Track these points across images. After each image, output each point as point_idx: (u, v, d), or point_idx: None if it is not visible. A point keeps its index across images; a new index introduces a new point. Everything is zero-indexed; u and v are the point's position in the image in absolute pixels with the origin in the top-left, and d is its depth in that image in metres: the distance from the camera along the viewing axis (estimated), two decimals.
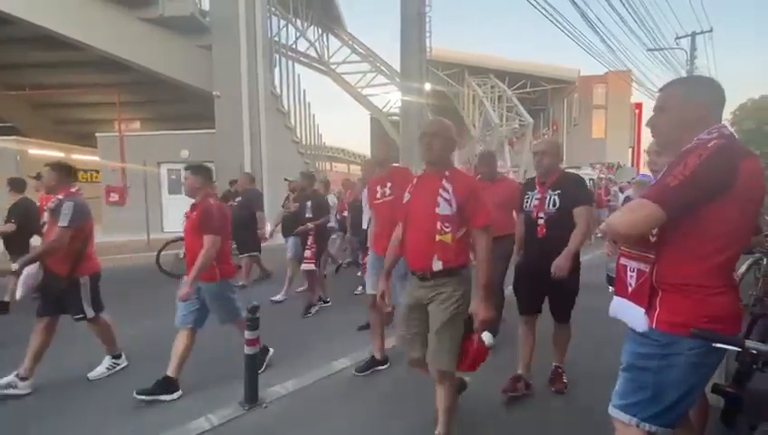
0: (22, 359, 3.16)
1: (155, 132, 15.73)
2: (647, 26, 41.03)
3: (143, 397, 2.97)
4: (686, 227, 1.41)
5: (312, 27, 20.26)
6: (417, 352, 2.33)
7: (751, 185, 1.38)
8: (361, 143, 34.69)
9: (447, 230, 2.14)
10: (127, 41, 12.17)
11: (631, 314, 1.54)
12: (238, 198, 6.74)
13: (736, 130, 18.17)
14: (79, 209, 3.19)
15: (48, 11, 10.87)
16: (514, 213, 3.50)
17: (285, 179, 6.69)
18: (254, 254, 6.48)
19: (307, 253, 5.09)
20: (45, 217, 3.32)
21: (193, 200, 3.24)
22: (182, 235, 8.27)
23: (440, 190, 2.17)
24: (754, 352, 1.53)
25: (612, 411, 1.57)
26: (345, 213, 7.23)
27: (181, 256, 7.47)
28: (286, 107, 15.19)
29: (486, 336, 3.83)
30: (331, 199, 6.67)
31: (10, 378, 3.11)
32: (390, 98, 24.76)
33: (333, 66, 23.03)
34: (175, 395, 3.07)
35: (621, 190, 11.13)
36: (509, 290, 3.28)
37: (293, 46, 18.30)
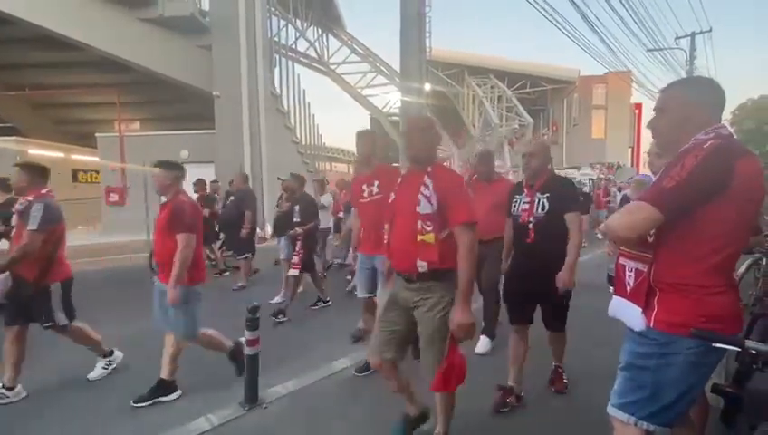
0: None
1: (155, 132, 15.74)
2: (646, 27, 41.07)
3: (141, 404, 2.96)
4: (683, 227, 1.41)
5: (311, 27, 20.26)
6: (390, 353, 2.23)
7: (749, 185, 1.38)
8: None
9: (429, 229, 2.03)
10: (127, 41, 12.18)
11: (629, 314, 1.54)
12: (231, 198, 6.74)
13: (736, 130, 18.16)
14: (49, 211, 3.02)
15: (48, 11, 10.88)
16: None
17: (279, 178, 6.67)
18: (248, 255, 6.47)
19: (294, 258, 5.02)
20: (14, 220, 3.12)
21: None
22: None
23: (421, 188, 2.08)
24: (754, 352, 1.53)
25: (611, 410, 1.58)
26: (341, 214, 7.20)
27: None
28: (286, 107, 15.19)
29: (483, 341, 3.85)
30: (327, 200, 6.61)
31: None
32: (390, 98, 24.78)
33: (333, 66, 23.03)
34: (174, 396, 3.07)
35: (620, 190, 11.14)
36: None
37: (293, 46, 18.31)
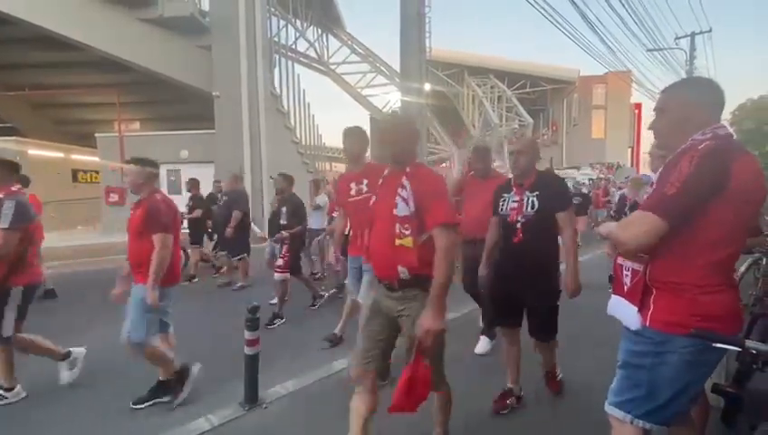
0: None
1: (155, 133, 15.76)
2: (646, 27, 41.08)
3: (141, 406, 2.96)
4: (679, 228, 1.41)
5: (311, 27, 20.29)
6: (374, 365, 2.07)
7: (746, 187, 1.38)
8: None
9: (407, 233, 1.91)
10: (127, 41, 12.18)
11: (625, 312, 1.56)
12: (225, 198, 6.69)
13: (736, 131, 18.15)
14: (21, 209, 2.91)
15: (48, 11, 10.88)
16: None
17: (271, 178, 6.63)
18: (244, 256, 6.43)
19: (279, 261, 4.88)
20: None
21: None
22: None
23: (398, 189, 1.96)
24: (754, 351, 1.54)
25: (608, 408, 1.58)
26: (335, 214, 7.16)
27: None
28: (286, 107, 15.21)
29: (483, 341, 3.85)
30: (322, 200, 6.57)
31: None
32: (390, 98, 24.81)
33: (333, 66, 23.06)
34: (179, 399, 3.06)
35: (619, 190, 11.15)
36: None
37: (293, 46, 18.34)
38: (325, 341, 4.05)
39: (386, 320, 2.08)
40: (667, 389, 1.46)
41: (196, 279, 6.94)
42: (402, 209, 1.94)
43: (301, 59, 20.25)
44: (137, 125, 19.06)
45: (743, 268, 4.46)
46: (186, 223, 7.25)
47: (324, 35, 22.01)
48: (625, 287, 1.57)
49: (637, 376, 1.51)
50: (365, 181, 3.18)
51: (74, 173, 17.65)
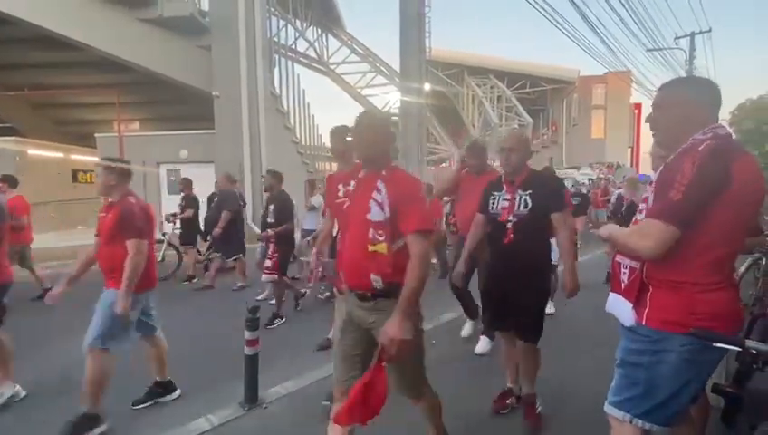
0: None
1: (154, 133, 15.76)
2: (646, 27, 41.09)
3: (140, 406, 2.96)
4: None
5: (311, 27, 20.29)
6: (353, 382, 1.88)
7: (747, 188, 1.38)
8: None
9: (381, 239, 1.81)
10: (126, 41, 12.18)
11: (621, 309, 1.56)
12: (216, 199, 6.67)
13: (735, 130, 18.16)
14: None
15: (48, 11, 10.88)
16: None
17: (262, 176, 6.58)
18: (239, 256, 6.37)
19: (267, 262, 4.79)
20: None
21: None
22: (161, 237, 7.98)
23: (373, 193, 1.86)
24: (754, 351, 1.54)
25: (607, 408, 1.58)
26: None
27: (160, 259, 7.49)
28: (286, 107, 15.20)
29: (483, 341, 3.84)
30: (317, 200, 6.54)
31: None
32: (390, 98, 24.83)
33: (333, 66, 23.07)
34: (174, 395, 3.07)
35: (619, 189, 11.16)
36: None
37: (293, 46, 18.33)
38: (318, 347, 3.99)
39: (359, 333, 1.96)
40: (666, 387, 1.46)
41: (196, 279, 6.93)
42: (376, 214, 1.83)
43: (300, 59, 20.26)
44: (136, 125, 19.06)
45: (742, 268, 4.47)
46: (179, 223, 7.28)
47: (324, 35, 22.03)
48: (622, 284, 1.58)
49: (634, 375, 1.51)
50: (352, 182, 3.14)
51: (74, 173, 17.64)
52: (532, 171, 2.61)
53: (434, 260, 7.32)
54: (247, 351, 2.90)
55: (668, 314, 1.44)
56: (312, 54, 21.58)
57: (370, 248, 1.83)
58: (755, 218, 2.71)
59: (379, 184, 1.87)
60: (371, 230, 1.83)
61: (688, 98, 1.52)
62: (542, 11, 9.96)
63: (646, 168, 24.99)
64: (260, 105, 13.03)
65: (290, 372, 3.45)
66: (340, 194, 3.15)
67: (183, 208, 7.10)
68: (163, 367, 3.06)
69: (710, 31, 20.51)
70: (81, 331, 3.52)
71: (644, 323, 1.48)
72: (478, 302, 3.18)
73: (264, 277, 4.81)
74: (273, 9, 14.85)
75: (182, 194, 7.29)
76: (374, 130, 1.95)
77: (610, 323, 1.72)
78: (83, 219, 14.73)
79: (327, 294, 5.64)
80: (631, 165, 29.10)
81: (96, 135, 13.70)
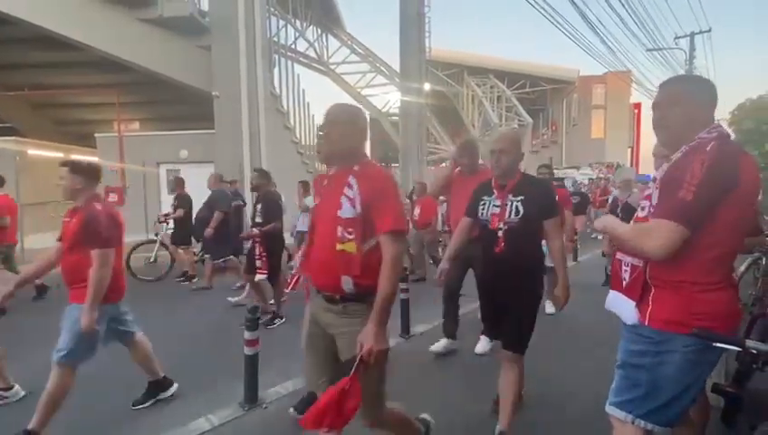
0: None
1: (154, 133, 15.75)
2: (646, 27, 41.10)
3: (140, 407, 2.96)
4: None
5: (311, 27, 20.28)
6: (328, 383, 1.77)
7: (750, 188, 1.41)
8: None
9: (350, 237, 1.72)
10: (126, 41, 12.17)
11: (622, 307, 1.56)
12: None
13: (735, 130, 18.18)
14: None
15: (48, 11, 10.86)
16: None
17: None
18: (230, 258, 6.23)
19: (257, 262, 4.69)
20: None
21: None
22: (153, 237, 7.95)
23: (344, 189, 1.77)
24: (754, 351, 1.54)
25: (609, 409, 1.58)
26: None
27: (152, 259, 7.50)
28: (285, 107, 15.19)
29: (483, 341, 3.84)
30: (310, 202, 6.55)
31: None
32: (390, 98, 24.84)
33: (333, 66, 23.07)
34: (172, 390, 3.06)
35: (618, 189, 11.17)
36: None
37: (293, 46, 18.33)
38: None
39: (327, 337, 1.86)
40: (668, 388, 1.46)
41: (196, 279, 6.94)
42: (347, 211, 1.74)
43: (300, 59, 20.26)
44: (136, 125, 19.04)
45: (742, 268, 4.47)
46: (171, 223, 7.28)
47: (324, 35, 22.02)
48: (624, 283, 1.57)
49: (636, 376, 1.51)
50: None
51: None
52: (524, 175, 2.48)
53: (430, 261, 7.33)
54: (247, 351, 2.90)
55: (671, 315, 1.43)
56: (312, 54, 21.59)
57: (338, 247, 1.74)
58: (756, 218, 2.72)
59: (351, 180, 1.78)
60: (340, 228, 1.74)
61: (691, 97, 1.52)
62: (542, 11, 9.97)
63: (645, 168, 25.03)
64: (260, 105, 13.02)
65: (290, 372, 3.45)
66: None
67: (175, 208, 7.09)
68: (153, 366, 3.02)
69: (710, 31, 20.57)
70: None
71: (646, 323, 1.47)
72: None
73: (258, 277, 4.75)
74: (272, 9, 14.84)
75: (174, 193, 7.29)
76: (343, 125, 1.85)
77: (610, 323, 1.72)
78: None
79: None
80: (631, 165, 29.09)
81: (96, 135, 13.68)
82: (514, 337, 2.41)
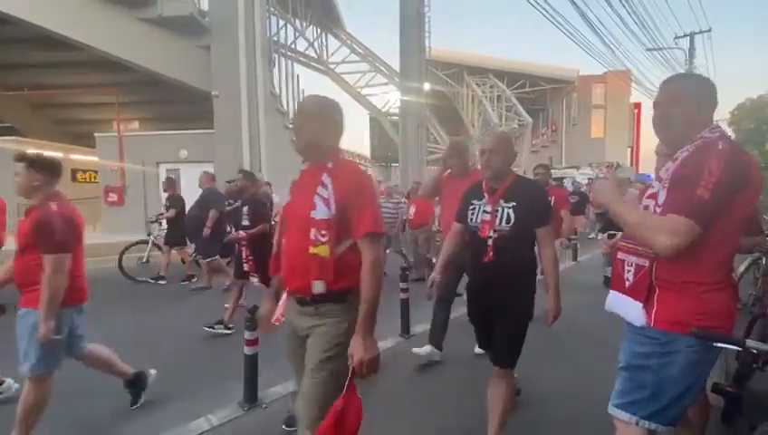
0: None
1: (154, 132, 15.75)
2: (646, 27, 41.10)
3: (137, 406, 2.96)
4: None
5: (310, 27, 20.29)
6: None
7: (757, 189, 1.42)
8: (362, 143, 34.67)
9: (323, 240, 1.63)
10: (126, 41, 12.16)
11: (628, 308, 1.54)
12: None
13: (735, 130, 18.22)
14: None
15: (48, 11, 10.86)
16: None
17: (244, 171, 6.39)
18: (216, 258, 6.07)
19: (246, 267, 4.55)
20: None
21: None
22: (145, 237, 7.90)
23: (318, 188, 1.67)
24: (754, 351, 1.54)
25: (612, 410, 1.57)
26: None
27: (144, 260, 7.46)
28: (285, 107, 15.20)
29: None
30: None
31: None
32: (390, 98, 24.86)
33: (332, 66, 23.08)
34: (152, 375, 3.01)
35: None
36: None
37: (292, 46, 18.32)
38: None
39: (299, 346, 1.79)
40: (673, 389, 1.46)
41: (195, 279, 6.93)
42: (321, 212, 1.64)
43: (300, 58, 20.27)
44: (136, 125, 19.03)
45: (742, 268, 4.47)
46: (165, 224, 7.27)
47: (324, 35, 22.03)
48: (626, 283, 1.56)
49: (641, 377, 1.50)
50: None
51: (73, 173, 17.63)
52: (516, 178, 2.32)
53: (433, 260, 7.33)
54: (247, 351, 2.90)
55: (676, 315, 1.43)
56: (312, 54, 21.59)
57: (311, 250, 1.65)
58: (756, 218, 2.72)
59: (325, 178, 1.68)
60: (313, 230, 1.65)
61: (692, 96, 1.52)
62: (543, 11, 9.96)
63: (645, 167, 25.03)
64: (260, 105, 13.03)
65: (289, 372, 3.42)
66: None
67: (167, 208, 7.08)
68: (117, 369, 2.90)
69: (710, 31, 20.55)
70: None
71: (652, 324, 1.47)
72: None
73: (252, 280, 4.63)
74: (272, 9, 14.85)
75: (167, 194, 7.27)
76: (315, 118, 1.74)
77: (610, 324, 1.72)
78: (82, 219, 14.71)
79: None
80: (631, 164, 29.11)
81: (96, 135, 13.68)
82: (502, 353, 2.29)
